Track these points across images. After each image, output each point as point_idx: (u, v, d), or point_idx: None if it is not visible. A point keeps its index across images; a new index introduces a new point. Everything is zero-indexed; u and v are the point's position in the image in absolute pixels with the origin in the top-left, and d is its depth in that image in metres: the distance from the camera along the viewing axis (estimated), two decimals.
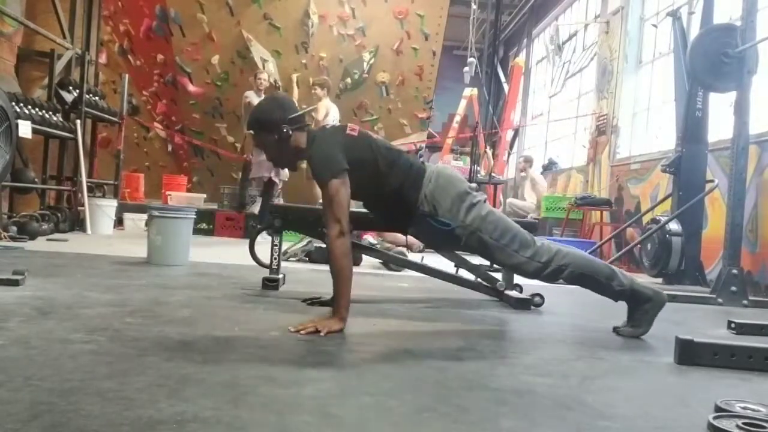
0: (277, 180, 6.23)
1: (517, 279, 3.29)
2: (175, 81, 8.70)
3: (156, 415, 1.17)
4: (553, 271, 2.38)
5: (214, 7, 8.24)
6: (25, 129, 5.02)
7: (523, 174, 8.77)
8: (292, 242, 4.79)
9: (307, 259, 4.70)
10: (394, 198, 2.42)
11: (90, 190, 6.48)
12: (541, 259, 2.37)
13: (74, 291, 2.59)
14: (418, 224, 2.45)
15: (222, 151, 8.70)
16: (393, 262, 3.56)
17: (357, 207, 4.82)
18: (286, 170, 6.24)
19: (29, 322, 1.95)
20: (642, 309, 2.42)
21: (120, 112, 7.35)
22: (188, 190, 8.39)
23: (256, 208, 7.09)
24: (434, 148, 10.91)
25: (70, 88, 6.45)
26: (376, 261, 4.50)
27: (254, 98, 6.66)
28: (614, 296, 2.44)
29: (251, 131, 2.43)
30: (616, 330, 2.47)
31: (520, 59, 10.81)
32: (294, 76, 8.26)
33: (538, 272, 2.39)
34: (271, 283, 3.06)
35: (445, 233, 2.39)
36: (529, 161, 8.92)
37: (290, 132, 2.33)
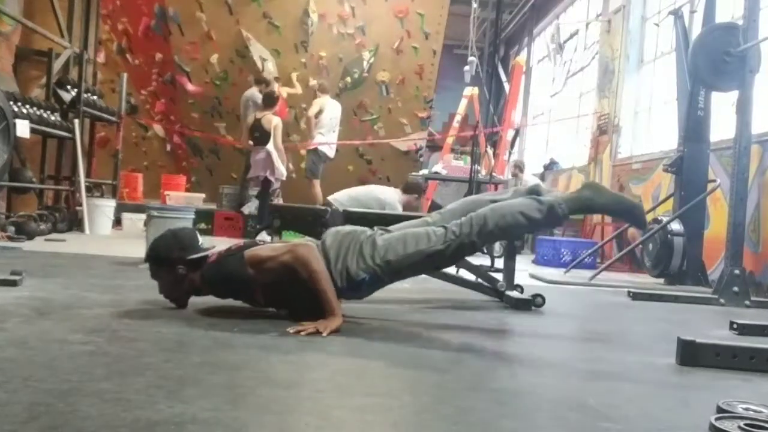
0: (272, 179, 6.23)
1: (518, 279, 3.28)
2: (173, 80, 8.69)
3: (154, 416, 1.17)
4: (478, 235, 2.25)
5: (213, 6, 8.23)
6: (23, 128, 5.01)
7: (515, 178, 8.73)
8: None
9: None
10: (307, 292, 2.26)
11: (88, 189, 6.47)
12: (456, 233, 2.25)
13: (72, 291, 2.58)
14: (346, 295, 2.33)
15: (223, 139, 8.70)
16: None
17: (357, 207, 4.83)
18: (282, 169, 6.23)
19: (27, 323, 1.94)
20: (604, 210, 2.49)
21: (118, 111, 7.33)
22: (187, 190, 8.38)
23: (247, 209, 7.08)
24: (434, 147, 10.90)
25: (69, 87, 6.44)
26: None
27: (257, 97, 6.69)
28: (557, 218, 2.35)
29: (147, 262, 2.37)
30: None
31: (521, 58, 10.79)
32: (294, 75, 8.25)
33: (465, 247, 2.28)
34: None
35: (370, 283, 2.27)
36: (519, 166, 8.88)
37: (185, 272, 2.27)
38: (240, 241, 2.34)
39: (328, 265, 2.23)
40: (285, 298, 2.29)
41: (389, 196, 4.89)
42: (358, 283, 2.25)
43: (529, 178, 8.68)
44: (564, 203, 2.31)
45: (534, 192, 2.40)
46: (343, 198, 4.74)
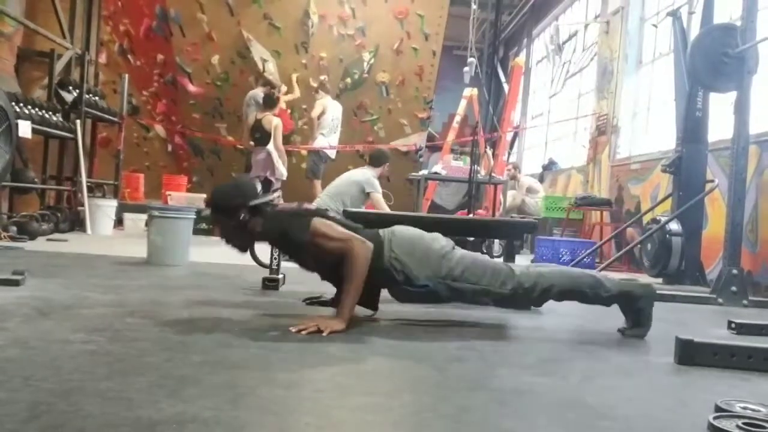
0: (273, 179, 6.24)
1: None
2: (175, 81, 8.70)
3: (156, 415, 1.17)
4: (540, 294, 2.39)
5: (214, 7, 8.24)
6: (25, 129, 5.02)
7: (513, 181, 8.78)
8: None
9: None
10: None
11: (90, 190, 6.48)
12: (524, 286, 2.36)
13: (74, 291, 2.59)
14: (396, 292, 2.41)
15: (224, 140, 8.71)
16: None
17: (341, 202, 4.83)
18: (283, 169, 6.24)
19: (29, 323, 1.95)
20: (636, 308, 2.44)
21: (120, 112, 7.35)
22: (188, 190, 8.38)
23: None
24: (434, 147, 10.90)
25: (70, 88, 6.45)
26: None
27: (259, 97, 6.70)
28: (604, 303, 2.45)
29: (209, 210, 2.42)
30: (621, 331, 2.47)
31: (520, 59, 10.79)
32: (294, 76, 8.26)
33: (526, 299, 2.41)
34: (271, 283, 3.06)
35: (425, 294, 2.34)
36: (517, 167, 8.90)
37: (248, 218, 2.32)
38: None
39: (391, 258, 2.29)
40: (332, 272, 2.34)
41: (364, 176, 5.02)
42: (417, 286, 2.31)
43: (526, 180, 8.71)
44: (625, 289, 2.43)
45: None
46: (327, 202, 4.77)
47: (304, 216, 2.30)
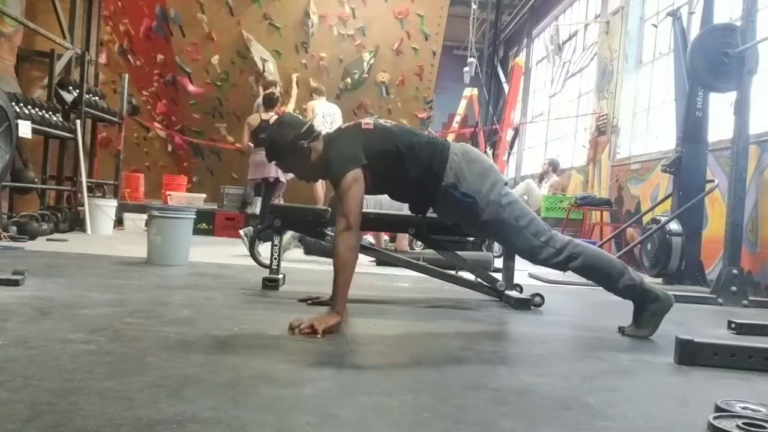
0: (271, 179, 6.24)
1: (517, 279, 3.29)
2: (175, 81, 8.70)
3: (156, 415, 1.18)
4: (565, 259, 2.42)
5: (214, 7, 8.24)
6: (25, 129, 5.02)
7: (545, 176, 8.80)
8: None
9: (300, 245, 4.68)
10: (420, 176, 2.46)
11: (90, 190, 6.48)
12: (555, 246, 2.42)
13: (74, 291, 2.59)
14: (441, 198, 2.48)
15: (223, 144, 8.71)
16: (393, 263, 3.55)
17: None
18: (276, 170, 6.23)
19: (29, 322, 1.95)
20: (649, 309, 2.42)
21: (120, 112, 7.35)
22: (188, 190, 8.39)
23: (251, 209, 7.08)
24: None
25: (70, 88, 6.45)
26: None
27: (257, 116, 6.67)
28: (623, 292, 2.44)
29: (274, 161, 2.51)
30: (621, 330, 2.47)
31: (520, 59, 10.79)
32: (294, 76, 8.26)
33: (550, 258, 2.43)
34: (271, 283, 3.06)
35: (466, 205, 2.43)
36: (554, 165, 8.93)
37: (308, 145, 2.38)
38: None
39: (452, 161, 2.42)
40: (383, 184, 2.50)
41: None
42: (462, 193, 2.41)
43: (553, 181, 8.77)
44: (647, 287, 2.44)
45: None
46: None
47: (351, 158, 2.29)
